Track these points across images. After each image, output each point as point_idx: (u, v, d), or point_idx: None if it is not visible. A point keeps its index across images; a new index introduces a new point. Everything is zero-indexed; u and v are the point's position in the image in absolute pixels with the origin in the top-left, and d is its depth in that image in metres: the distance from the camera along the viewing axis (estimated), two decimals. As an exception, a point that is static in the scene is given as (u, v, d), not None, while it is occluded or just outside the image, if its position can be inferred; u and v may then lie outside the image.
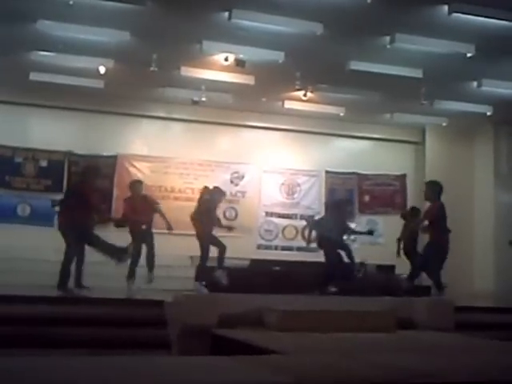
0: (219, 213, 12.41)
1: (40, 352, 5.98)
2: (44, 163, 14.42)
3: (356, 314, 5.34)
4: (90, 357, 3.86)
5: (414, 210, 12.50)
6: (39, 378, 2.82)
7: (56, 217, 10.90)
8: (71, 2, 9.29)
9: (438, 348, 4.64)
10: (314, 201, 15.93)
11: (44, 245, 11.71)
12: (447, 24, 9.95)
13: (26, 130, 14.39)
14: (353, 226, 12.89)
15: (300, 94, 13.46)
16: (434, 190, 11.08)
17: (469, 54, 10.86)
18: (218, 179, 15.06)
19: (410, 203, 16.30)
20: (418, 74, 12.02)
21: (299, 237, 15.29)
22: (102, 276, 10.90)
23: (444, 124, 15.42)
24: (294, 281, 11.64)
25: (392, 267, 13.04)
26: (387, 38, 10.72)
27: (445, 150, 16.17)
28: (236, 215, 14.88)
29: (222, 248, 11.41)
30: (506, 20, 9.78)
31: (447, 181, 15.59)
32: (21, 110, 14.21)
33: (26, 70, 12.57)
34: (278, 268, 12.47)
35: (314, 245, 12.28)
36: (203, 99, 13.62)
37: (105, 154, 14.72)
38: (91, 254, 10.60)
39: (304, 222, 15.27)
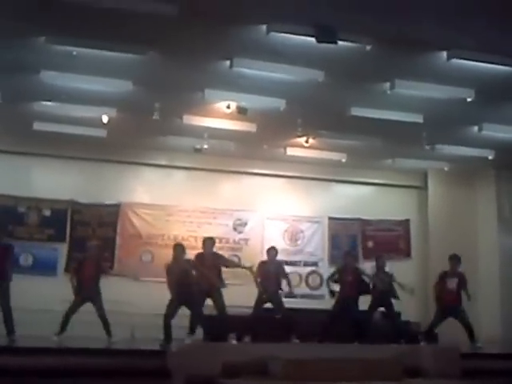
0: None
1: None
2: (47, 212, 14.42)
3: (362, 362, 5.28)
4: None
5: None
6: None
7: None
8: (74, 53, 9.40)
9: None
10: (317, 247, 15.88)
11: (47, 294, 11.64)
12: (446, 69, 10.02)
13: (29, 180, 14.42)
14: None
15: (302, 140, 13.52)
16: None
17: (469, 99, 10.91)
18: (220, 227, 15.04)
19: (413, 248, 16.27)
20: (418, 119, 12.07)
21: (303, 284, 15.21)
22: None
23: (446, 168, 15.44)
24: (299, 329, 11.51)
25: (398, 314, 12.90)
26: (387, 84, 10.79)
27: (447, 194, 16.16)
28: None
29: None
30: (505, 65, 9.85)
31: (450, 225, 15.71)
32: (24, 160, 14.26)
33: (30, 120, 12.65)
34: (281, 316, 12.32)
35: None
36: (205, 147, 13.67)
37: (107, 202, 14.73)
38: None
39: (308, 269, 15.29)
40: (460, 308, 11.75)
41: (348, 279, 12.11)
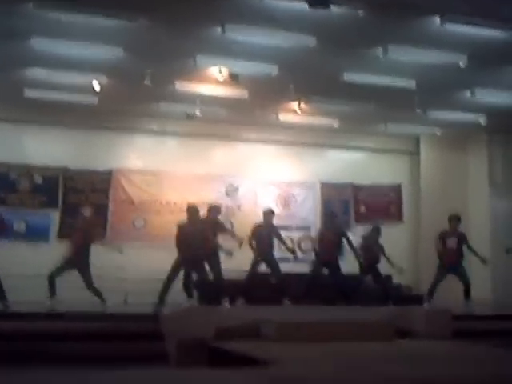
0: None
1: (36, 367, 5.96)
2: (39, 179, 14.40)
3: (354, 324, 5.34)
4: (88, 371, 3.85)
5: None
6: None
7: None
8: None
9: (435, 356, 4.63)
10: (309, 212, 15.94)
11: (40, 260, 11.66)
12: (439, 34, 9.99)
13: (21, 147, 14.37)
14: None
15: (294, 106, 13.49)
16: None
17: (461, 64, 10.90)
18: (213, 192, 15.06)
19: (405, 212, 16.35)
20: (411, 84, 12.06)
21: (295, 248, 15.27)
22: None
23: (438, 133, 15.46)
24: (291, 292, 11.62)
25: (389, 277, 13.03)
26: (380, 50, 10.75)
27: (439, 160, 16.21)
28: (232, 228, 14.85)
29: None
30: (498, 29, 9.83)
31: (442, 189, 15.77)
32: (16, 127, 14.20)
33: (21, 87, 12.58)
34: (274, 280, 12.41)
35: None
36: (197, 113, 13.63)
37: (100, 169, 14.72)
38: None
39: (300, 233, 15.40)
40: (460, 265, 11.95)
41: (329, 243, 12.22)
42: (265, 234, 12.22)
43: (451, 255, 12.00)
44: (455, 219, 12.26)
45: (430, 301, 11.68)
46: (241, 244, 11.71)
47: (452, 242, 12.05)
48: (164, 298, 10.73)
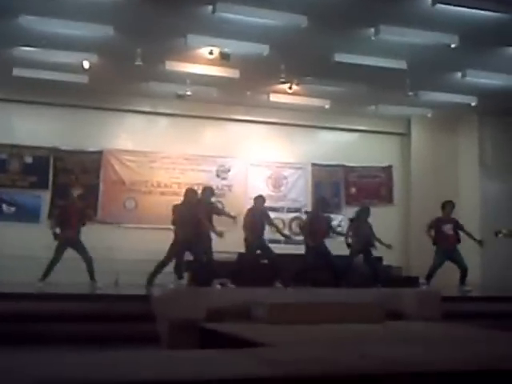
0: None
1: (26, 349, 5.95)
2: (29, 159, 14.33)
3: (345, 306, 5.36)
4: (78, 352, 3.84)
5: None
6: (26, 374, 2.80)
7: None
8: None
9: (426, 338, 4.66)
10: (300, 193, 15.95)
11: (30, 241, 11.65)
12: (431, 15, 9.96)
13: (10, 127, 14.27)
14: None
15: (285, 86, 13.44)
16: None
17: (453, 45, 10.89)
18: (203, 173, 15.04)
19: (396, 194, 16.38)
20: (402, 65, 12.04)
21: (286, 229, 15.29)
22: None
23: (429, 115, 15.44)
24: (282, 274, 11.64)
25: (379, 259, 13.06)
26: (372, 30, 10.72)
27: (430, 141, 16.22)
28: (222, 209, 14.85)
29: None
30: (489, 10, 9.81)
31: (433, 171, 15.80)
32: (4, 106, 14.11)
33: (9, 66, 12.47)
34: (265, 261, 12.44)
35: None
36: (188, 93, 13.57)
37: (90, 149, 14.66)
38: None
39: (291, 215, 15.43)
40: (457, 251, 12.06)
41: (322, 227, 12.27)
42: (258, 219, 12.23)
43: (449, 241, 12.05)
44: (450, 205, 12.32)
45: (429, 285, 11.73)
46: (234, 218, 11.72)
47: (448, 228, 12.11)
48: (153, 280, 10.79)
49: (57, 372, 2.90)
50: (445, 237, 12.07)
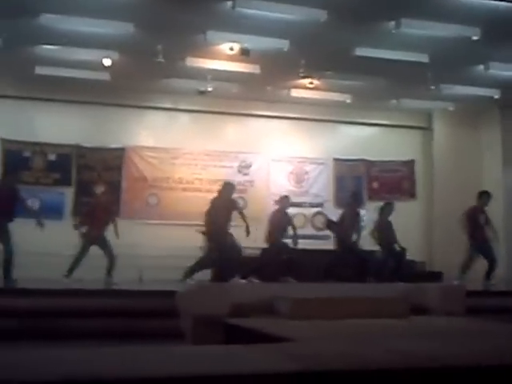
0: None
1: (53, 344, 6.00)
2: (52, 157, 14.44)
3: (369, 301, 5.34)
4: (103, 348, 3.87)
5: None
6: (55, 370, 2.82)
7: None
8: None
9: (451, 333, 4.63)
10: (322, 189, 15.91)
11: (54, 238, 11.72)
12: (452, 7, 9.89)
13: (34, 125, 14.37)
14: None
15: (306, 81, 13.42)
16: None
17: (475, 38, 10.80)
18: (225, 169, 15.06)
19: (418, 189, 16.30)
20: (424, 58, 11.96)
21: (308, 225, 15.28)
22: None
23: (451, 108, 15.34)
24: (305, 269, 11.63)
25: (402, 254, 13.00)
26: (392, 23, 10.66)
27: (452, 135, 16.11)
28: (245, 204, 14.88)
29: None
30: (511, 1, 9.72)
31: (455, 165, 15.69)
32: (27, 105, 14.20)
33: (32, 64, 12.57)
34: (288, 256, 12.44)
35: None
36: (209, 89, 13.59)
37: (112, 146, 14.73)
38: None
39: (313, 210, 15.42)
40: (488, 242, 11.83)
41: (348, 223, 12.26)
42: (283, 219, 12.32)
43: (483, 232, 11.82)
44: (486, 196, 12.06)
45: (464, 278, 11.52)
46: (248, 232, 11.66)
47: (483, 219, 11.83)
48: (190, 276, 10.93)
49: (82, 368, 2.92)
50: (480, 228, 11.78)
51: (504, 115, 15.58)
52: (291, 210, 13.20)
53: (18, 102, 14.11)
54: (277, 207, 12.82)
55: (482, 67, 12.67)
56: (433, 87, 13.35)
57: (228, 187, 11.96)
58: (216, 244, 11.28)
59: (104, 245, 11.05)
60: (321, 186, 15.95)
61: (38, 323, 7.31)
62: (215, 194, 11.95)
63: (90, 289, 9.33)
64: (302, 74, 12.79)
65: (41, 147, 14.35)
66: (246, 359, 3.26)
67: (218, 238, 11.25)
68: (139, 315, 7.62)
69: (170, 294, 5.87)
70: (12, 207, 10.64)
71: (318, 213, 15.56)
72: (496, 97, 14.11)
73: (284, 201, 12.70)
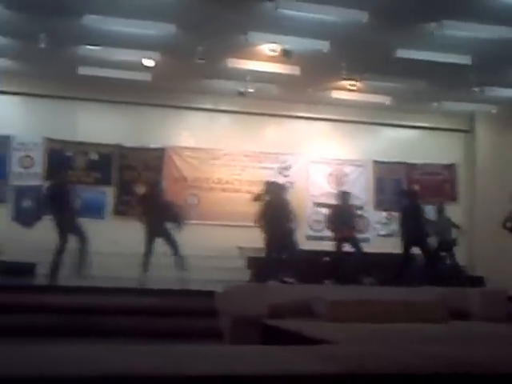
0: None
1: (93, 341, 6.06)
2: (94, 156, 14.60)
3: (407, 304, 5.30)
4: (143, 346, 3.90)
5: None
6: (95, 366, 2.86)
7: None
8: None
9: (492, 338, 4.58)
10: (361, 191, 15.81)
11: (96, 236, 11.86)
12: (495, 8, 9.77)
13: (75, 124, 14.54)
14: None
15: (346, 83, 13.36)
16: None
17: (518, 39, 10.66)
18: (265, 170, 15.06)
19: (459, 192, 16.11)
20: (466, 60, 11.84)
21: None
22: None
23: (494, 111, 15.14)
24: (343, 271, 11.59)
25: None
26: (434, 25, 10.57)
27: (495, 138, 15.90)
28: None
29: None
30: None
31: (497, 169, 15.45)
32: (69, 104, 14.40)
33: (75, 65, 12.74)
34: (327, 258, 12.42)
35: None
36: (249, 90, 13.62)
37: (152, 146, 14.84)
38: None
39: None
40: None
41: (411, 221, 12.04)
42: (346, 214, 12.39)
43: None
44: None
45: None
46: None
47: None
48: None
49: (122, 366, 2.95)
50: None
51: (547, 118, 15.32)
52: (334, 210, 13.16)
53: (61, 102, 14.31)
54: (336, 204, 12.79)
55: (525, 69, 12.50)
56: (476, 89, 13.20)
57: (281, 187, 12.03)
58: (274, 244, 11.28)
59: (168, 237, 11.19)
60: (360, 188, 15.84)
61: (75, 320, 7.39)
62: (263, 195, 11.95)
63: (131, 287, 9.41)
64: (344, 76, 12.74)
65: (83, 147, 14.51)
66: (282, 360, 3.26)
67: (276, 239, 11.26)
68: (179, 314, 7.65)
69: (210, 294, 5.90)
70: (69, 204, 10.78)
71: (359, 215, 15.46)
72: (539, 99, 13.92)
73: (344, 196, 12.72)
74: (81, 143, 14.49)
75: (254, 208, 11.70)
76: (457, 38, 10.94)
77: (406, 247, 11.71)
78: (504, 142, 15.76)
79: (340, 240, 12.24)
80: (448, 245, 12.41)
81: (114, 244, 11.20)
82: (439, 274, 11.66)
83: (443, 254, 12.55)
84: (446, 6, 9.97)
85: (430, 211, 12.80)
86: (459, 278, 12.05)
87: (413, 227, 11.70)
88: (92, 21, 10.62)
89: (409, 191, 13.27)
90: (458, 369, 3.24)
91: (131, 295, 8.61)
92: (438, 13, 10.27)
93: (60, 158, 14.17)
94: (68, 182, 11.27)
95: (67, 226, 10.48)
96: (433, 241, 12.30)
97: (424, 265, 11.70)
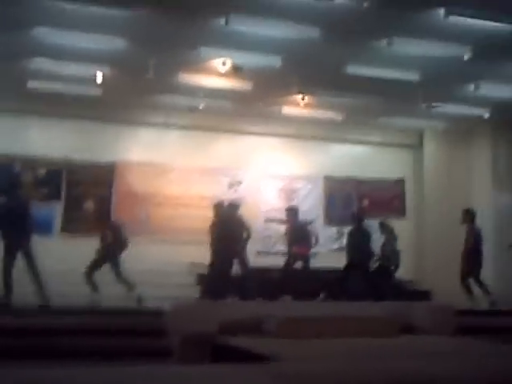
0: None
1: (38, 363, 5.94)
2: (42, 171, 14.38)
3: (357, 320, 5.31)
4: (89, 367, 3.82)
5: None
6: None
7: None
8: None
9: (440, 352, 4.61)
10: (312, 206, 15.90)
11: (43, 253, 11.64)
12: (444, 27, 9.94)
13: (24, 139, 14.33)
14: None
15: (298, 99, 13.44)
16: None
17: (466, 57, 10.86)
18: (216, 185, 15.03)
19: (409, 207, 16.31)
20: (415, 77, 12.04)
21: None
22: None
23: (442, 127, 15.40)
24: (294, 287, 11.59)
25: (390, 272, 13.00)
26: (384, 42, 10.70)
27: (443, 154, 16.16)
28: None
29: None
30: (503, 22, 9.79)
31: (446, 184, 15.71)
32: (19, 118, 14.17)
33: (24, 78, 12.55)
34: (278, 275, 12.40)
35: None
36: (201, 106, 13.60)
37: (102, 161, 14.68)
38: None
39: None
40: None
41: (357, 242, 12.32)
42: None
43: None
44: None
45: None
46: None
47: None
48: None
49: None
50: None
51: (494, 134, 15.63)
52: (282, 227, 13.19)
53: (10, 116, 14.10)
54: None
55: (472, 86, 12.73)
56: (424, 106, 13.41)
57: (234, 207, 12.03)
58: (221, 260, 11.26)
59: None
60: (311, 203, 15.94)
61: (21, 342, 7.23)
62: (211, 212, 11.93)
63: (76, 306, 9.25)
64: (296, 92, 12.83)
65: (31, 162, 14.28)
66: (233, 379, 3.23)
67: (225, 255, 11.24)
68: (127, 333, 7.54)
69: (158, 312, 5.83)
70: (27, 224, 10.23)
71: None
72: (486, 116, 14.18)
73: (292, 212, 12.75)
74: (29, 158, 14.26)
75: (205, 224, 11.67)
76: (406, 55, 11.10)
77: (347, 268, 12.13)
78: (452, 158, 16.02)
79: (295, 256, 12.29)
80: (389, 266, 12.58)
81: (62, 261, 10.98)
82: (382, 290, 11.85)
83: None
84: (396, 24, 10.11)
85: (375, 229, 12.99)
86: (401, 293, 12.24)
87: (357, 252, 12.08)
88: (42, 34, 10.46)
89: (357, 214, 13.40)
90: (405, 382, 3.25)
91: (77, 315, 8.46)
92: (389, 30, 10.41)
93: (8, 173, 13.91)
94: (22, 199, 10.95)
95: (19, 245, 10.14)
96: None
97: (366, 282, 11.94)
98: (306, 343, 4.68)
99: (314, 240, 12.97)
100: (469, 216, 12.12)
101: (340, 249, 14.74)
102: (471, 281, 11.78)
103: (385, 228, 12.89)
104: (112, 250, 11.06)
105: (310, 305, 7.37)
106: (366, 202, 16.16)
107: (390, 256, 12.54)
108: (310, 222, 14.79)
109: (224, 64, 11.65)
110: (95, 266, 10.99)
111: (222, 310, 5.34)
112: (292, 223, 12.70)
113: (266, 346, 4.53)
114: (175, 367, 4.46)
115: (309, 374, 3.40)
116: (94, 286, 10.78)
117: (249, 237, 11.73)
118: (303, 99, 13.41)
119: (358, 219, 13.02)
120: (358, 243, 12.30)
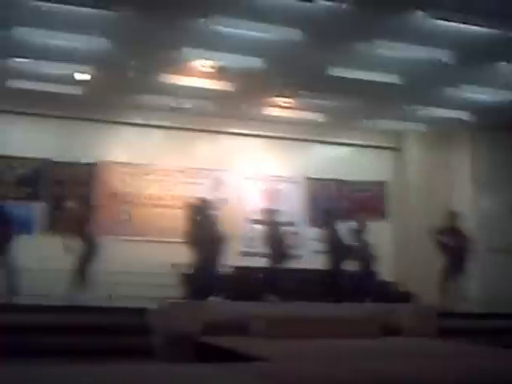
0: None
1: (20, 361, 5.91)
2: (23, 171, 14.27)
3: (340, 321, 5.34)
4: (73, 366, 3.81)
5: None
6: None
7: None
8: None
9: (422, 353, 4.65)
10: (295, 207, 15.90)
11: (24, 252, 11.58)
12: (425, 30, 10.02)
13: (4, 138, 14.20)
14: None
15: (280, 100, 13.46)
16: None
17: (446, 60, 10.94)
18: (197, 186, 15.00)
19: (389, 209, 16.36)
20: (396, 79, 12.11)
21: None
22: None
23: (422, 130, 15.49)
24: (279, 287, 11.60)
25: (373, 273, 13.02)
26: (366, 45, 10.76)
27: (424, 156, 16.24)
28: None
29: None
30: (483, 26, 9.87)
31: (426, 186, 15.79)
32: (-1, 118, 14.07)
33: (3, 77, 12.46)
34: (261, 275, 12.39)
35: None
36: (182, 106, 13.57)
37: (83, 161, 14.59)
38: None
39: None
40: None
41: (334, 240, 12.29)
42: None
43: None
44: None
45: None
46: None
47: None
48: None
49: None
50: None
51: (474, 137, 15.73)
52: (263, 228, 13.17)
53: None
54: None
55: (452, 90, 12.82)
56: (405, 108, 13.48)
57: (208, 204, 11.94)
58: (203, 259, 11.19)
59: None
60: (293, 204, 15.94)
61: (7, 339, 7.19)
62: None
63: (60, 305, 9.20)
64: (277, 93, 12.83)
65: (11, 161, 14.17)
66: (217, 378, 3.24)
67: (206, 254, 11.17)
68: (109, 332, 7.51)
69: (142, 312, 5.82)
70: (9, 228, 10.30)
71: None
72: (466, 119, 14.28)
73: (272, 213, 12.73)
74: (9, 157, 14.15)
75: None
76: (387, 58, 11.17)
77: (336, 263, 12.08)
78: (432, 160, 16.10)
79: (276, 258, 12.26)
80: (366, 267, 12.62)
81: (43, 260, 10.91)
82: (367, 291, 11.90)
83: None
84: (378, 27, 10.16)
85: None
86: (385, 294, 12.28)
87: (332, 251, 12.09)
88: (22, 33, 10.40)
89: (327, 214, 13.36)
90: (387, 383, 3.27)
91: (61, 313, 8.42)
92: (370, 33, 10.47)
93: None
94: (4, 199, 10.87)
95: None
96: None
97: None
98: (290, 343, 4.70)
99: (292, 241, 12.94)
100: (453, 217, 12.21)
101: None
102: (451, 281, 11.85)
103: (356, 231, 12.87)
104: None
105: (295, 305, 7.38)
106: (345, 204, 16.16)
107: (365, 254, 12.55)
108: (291, 224, 14.82)
109: (206, 65, 11.63)
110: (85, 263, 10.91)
111: (206, 310, 5.34)
112: (270, 224, 12.66)
113: (250, 345, 4.55)
114: (158, 366, 4.46)
115: (292, 374, 3.42)
116: (83, 284, 10.70)
117: (223, 237, 11.60)
118: (286, 101, 13.43)
119: (329, 219, 13.03)
120: (336, 241, 12.27)
